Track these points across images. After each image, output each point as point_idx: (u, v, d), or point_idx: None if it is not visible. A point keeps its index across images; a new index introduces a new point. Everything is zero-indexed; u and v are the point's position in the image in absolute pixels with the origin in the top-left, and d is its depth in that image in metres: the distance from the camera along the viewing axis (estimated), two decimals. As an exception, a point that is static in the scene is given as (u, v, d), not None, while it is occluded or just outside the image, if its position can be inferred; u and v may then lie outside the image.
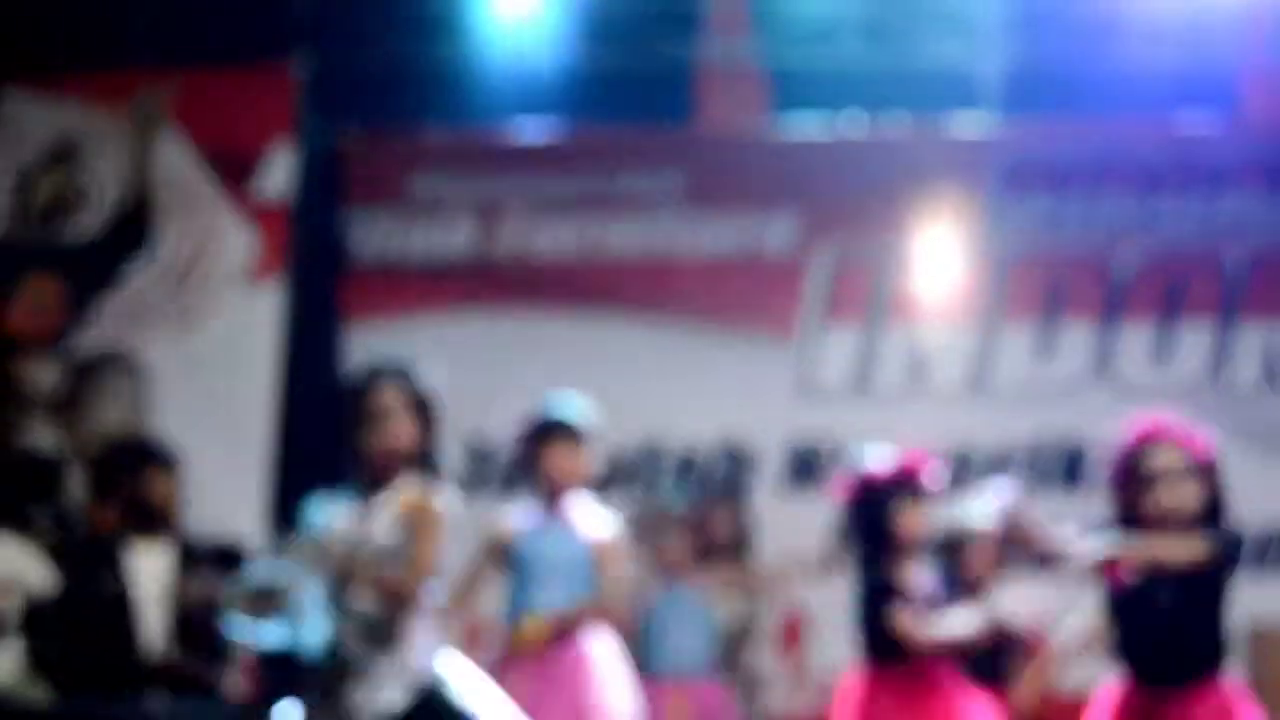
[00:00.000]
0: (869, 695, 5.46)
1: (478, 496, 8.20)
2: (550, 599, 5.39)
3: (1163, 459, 4.73)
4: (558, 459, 5.47)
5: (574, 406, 5.57)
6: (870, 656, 5.51)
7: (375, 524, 4.53)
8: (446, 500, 4.60)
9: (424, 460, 4.62)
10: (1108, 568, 4.73)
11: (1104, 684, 4.93)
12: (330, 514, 4.64)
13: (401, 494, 4.57)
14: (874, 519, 5.53)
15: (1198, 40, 8.54)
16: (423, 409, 4.64)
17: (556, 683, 5.22)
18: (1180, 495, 4.70)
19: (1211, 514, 4.77)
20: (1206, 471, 4.78)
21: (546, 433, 5.50)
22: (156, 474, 6.44)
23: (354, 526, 4.55)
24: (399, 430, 4.58)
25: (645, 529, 6.23)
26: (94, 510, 6.88)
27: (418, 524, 4.51)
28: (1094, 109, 8.55)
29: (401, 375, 4.67)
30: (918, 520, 5.48)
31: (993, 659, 6.07)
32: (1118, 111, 8.51)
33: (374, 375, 4.70)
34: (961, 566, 6.21)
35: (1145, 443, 4.78)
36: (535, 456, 5.52)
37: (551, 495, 5.49)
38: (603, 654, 5.45)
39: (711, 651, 6.25)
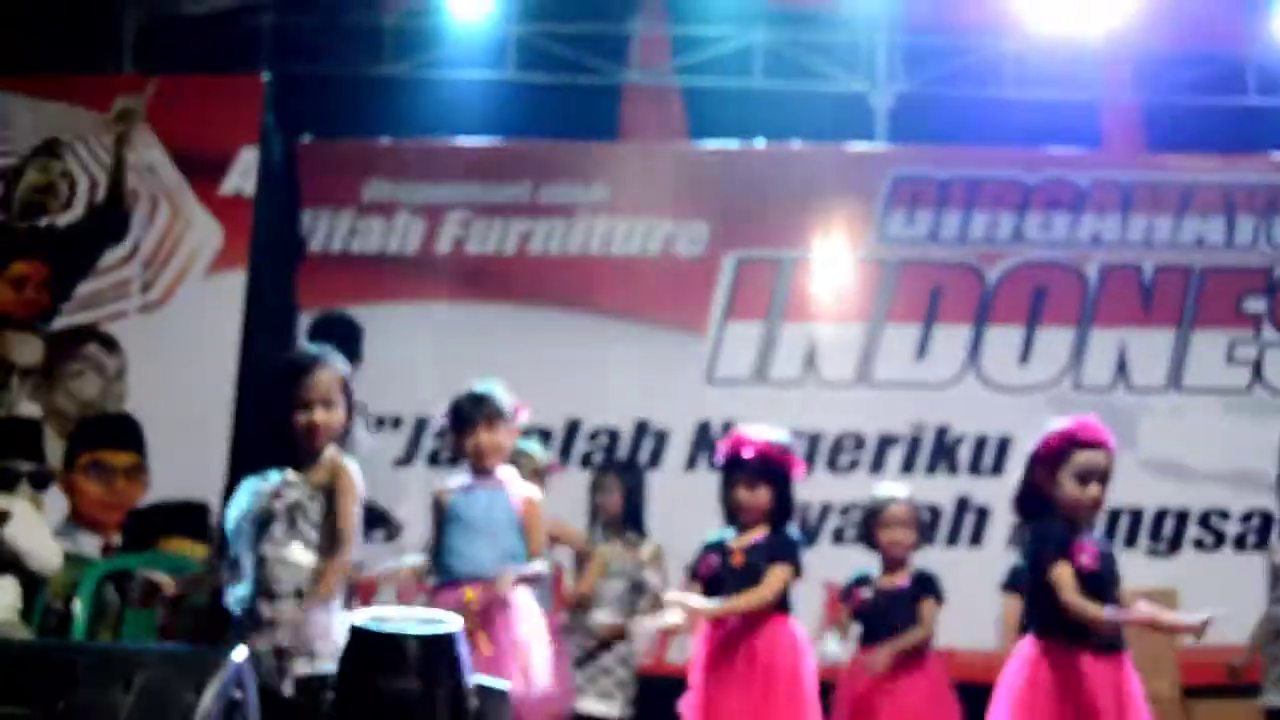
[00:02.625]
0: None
1: (413, 467, 8.31)
2: (477, 553, 5.48)
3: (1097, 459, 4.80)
4: (482, 436, 5.56)
5: (495, 390, 5.65)
6: None
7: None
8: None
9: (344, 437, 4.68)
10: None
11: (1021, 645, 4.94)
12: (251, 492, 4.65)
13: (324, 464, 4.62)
14: (721, 493, 5.61)
15: (1065, 78, 8.70)
16: (347, 391, 4.69)
17: (487, 626, 5.28)
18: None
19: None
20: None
21: (471, 413, 5.59)
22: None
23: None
24: (327, 415, 4.62)
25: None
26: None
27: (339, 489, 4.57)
28: (973, 137, 8.68)
29: (321, 363, 4.69)
30: (741, 495, 5.51)
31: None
32: (994, 139, 8.65)
33: (314, 359, 4.71)
34: (879, 542, 6.28)
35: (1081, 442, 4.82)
36: (463, 434, 5.62)
37: (478, 467, 5.58)
38: (525, 600, 5.54)
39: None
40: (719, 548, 5.52)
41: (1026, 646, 4.83)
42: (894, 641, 6.00)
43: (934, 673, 6.16)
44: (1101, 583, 4.72)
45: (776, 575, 5.43)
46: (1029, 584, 4.89)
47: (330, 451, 4.60)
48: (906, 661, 6.03)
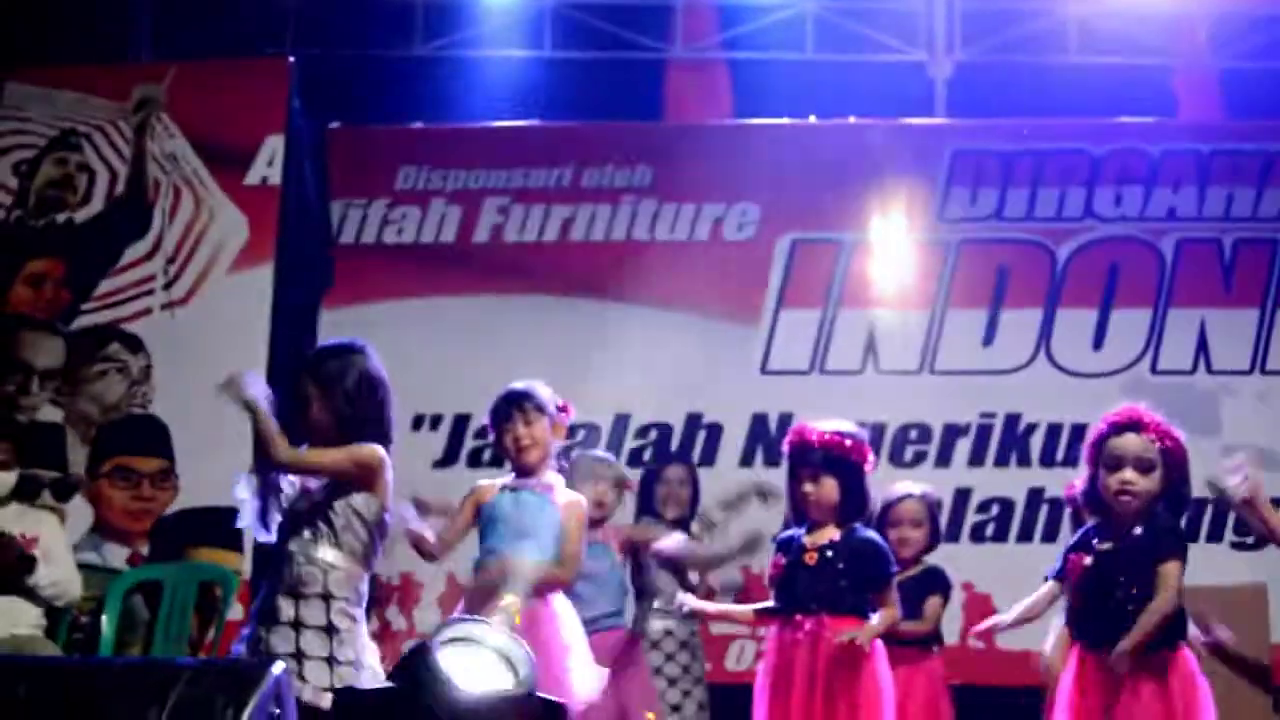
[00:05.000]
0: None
1: (455, 467, 8.29)
2: (513, 554, 5.49)
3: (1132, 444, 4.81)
4: (519, 429, 5.56)
5: (534, 387, 5.64)
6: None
7: None
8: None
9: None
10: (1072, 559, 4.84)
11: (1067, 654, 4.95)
12: None
13: None
14: (789, 487, 5.56)
15: (1134, 42, 8.63)
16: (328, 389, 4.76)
17: (529, 633, 5.26)
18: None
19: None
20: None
21: (508, 407, 5.60)
22: None
23: None
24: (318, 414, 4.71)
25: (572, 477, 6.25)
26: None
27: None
28: (1038, 108, 8.62)
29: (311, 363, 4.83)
30: (806, 489, 5.44)
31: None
32: (1060, 110, 8.58)
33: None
34: (889, 540, 6.22)
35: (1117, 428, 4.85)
36: (501, 430, 5.63)
37: (519, 465, 5.57)
38: (564, 609, 5.55)
39: (619, 602, 6.28)
40: (789, 545, 5.46)
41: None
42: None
43: (934, 673, 6.17)
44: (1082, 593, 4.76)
45: (894, 598, 5.42)
46: None
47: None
48: (906, 658, 5.95)
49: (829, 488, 5.39)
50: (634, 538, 6.37)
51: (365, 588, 4.71)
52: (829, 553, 5.35)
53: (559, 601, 5.51)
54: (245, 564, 7.77)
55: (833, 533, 5.40)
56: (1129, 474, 4.78)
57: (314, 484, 4.70)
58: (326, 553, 4.61)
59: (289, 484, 4.73)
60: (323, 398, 4.74)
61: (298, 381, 4.80)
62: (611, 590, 6.19)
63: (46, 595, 6.25)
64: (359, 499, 4.67)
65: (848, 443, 5.47)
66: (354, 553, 4.65)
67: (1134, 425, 4.85)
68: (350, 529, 4.65)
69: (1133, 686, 4.69)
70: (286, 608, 4.57)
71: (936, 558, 6.43)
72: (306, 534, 4.65)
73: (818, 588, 5.33)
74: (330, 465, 4.67)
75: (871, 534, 5.51)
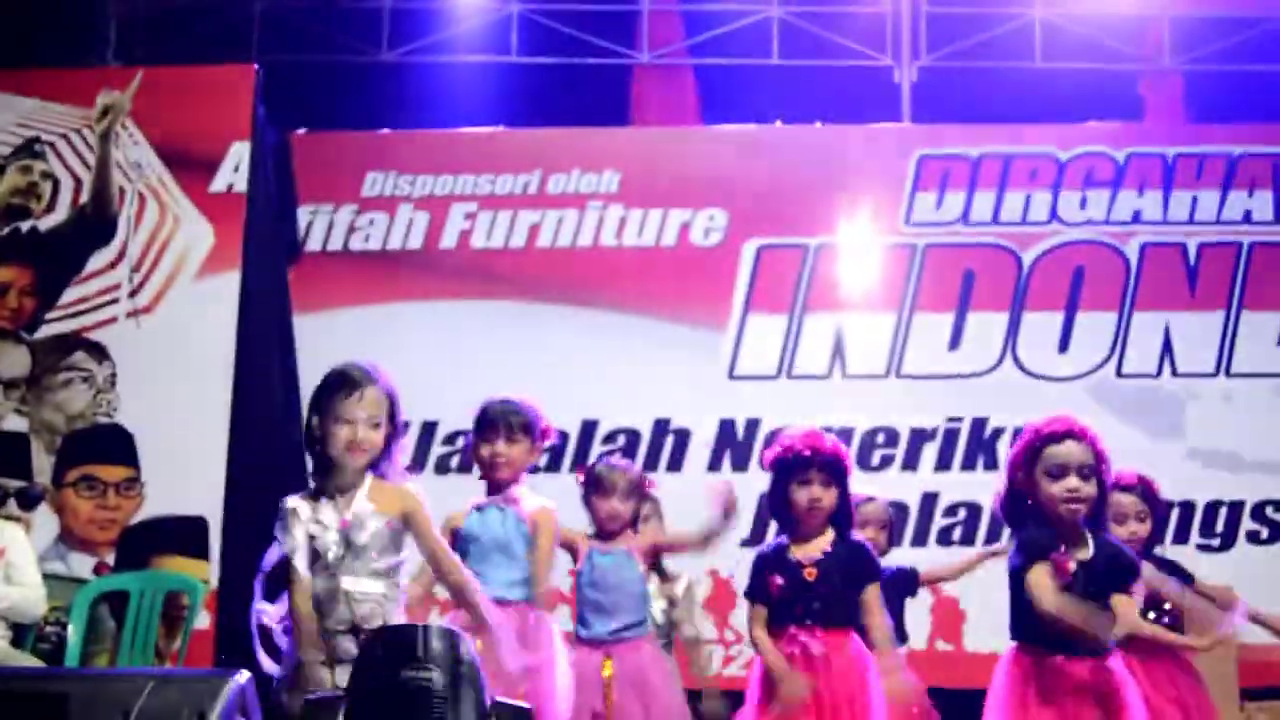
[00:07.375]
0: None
1: (420, 474, 8.25)
2: (493, 574, 5.46)
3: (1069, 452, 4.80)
4: (499, 447, 5.53)
5: (527, 404, 5.61)
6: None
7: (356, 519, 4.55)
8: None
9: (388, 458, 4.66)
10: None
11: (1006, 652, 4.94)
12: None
13: (375, 490, 4.60)
14: (776, 494, 5.49)
15: (1099, 47, 8.67)
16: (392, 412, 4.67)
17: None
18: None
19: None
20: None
21: (494, 421, 5.56)
22: None
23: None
24: (371, 434, 4.60)
25: (592, 488, 6.15)
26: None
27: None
28: (1003, 112, 8.64)
29: (372, 380, 4.67)
30: (815, 495, 5.38)
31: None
32: (1025, 115, 8.61)
33: (348, 380, 4.69)
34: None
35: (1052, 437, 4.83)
36: (480, 441, 5.59)
37: (493, 481, 5.55)
38: (544, 620, 5.52)
39: (643, 612, 6.19)
40: (780, 562, 5.39)
41: (1007, 656, 4.82)
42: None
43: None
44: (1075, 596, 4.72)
45: (877, 596, 5.35)
46: (1011, 592, 4.86)
47: (374, 478, 4.59)
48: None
49: (832, 496, 5.36)
50: (659, 545, 6.25)
51: None
52: (827, 565, 5.31)
53: (541, 621, 5.50)
54: (212, 573, 7.74)
55: (825, 544, 5.35)
56: (1074, 481, 4.77)
57: (370, 527, 4.56)
58: (380, 586, 4.53)
59: (321, 527, 4.60)
60: (388, 423, 4.64)
61: (364, 396, 4.61)
62: (635, 599, 6.14)
63: (7, 616, 6.21)
64: (409, 539, 4.61)
65: (845, 452, 5.45)
66: (397, 582, 4.61)
67: (1073, 433, 4.84)
68: (399, 563, 4.59)
69: (1099, 689, 4.70)
70: (349, 645, 4.50)
71: (904, 559, 6.45)
72: (363, 572, 4.54)
73: (818, 603, 5.27)
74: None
75: (861, 539, 5.48)
